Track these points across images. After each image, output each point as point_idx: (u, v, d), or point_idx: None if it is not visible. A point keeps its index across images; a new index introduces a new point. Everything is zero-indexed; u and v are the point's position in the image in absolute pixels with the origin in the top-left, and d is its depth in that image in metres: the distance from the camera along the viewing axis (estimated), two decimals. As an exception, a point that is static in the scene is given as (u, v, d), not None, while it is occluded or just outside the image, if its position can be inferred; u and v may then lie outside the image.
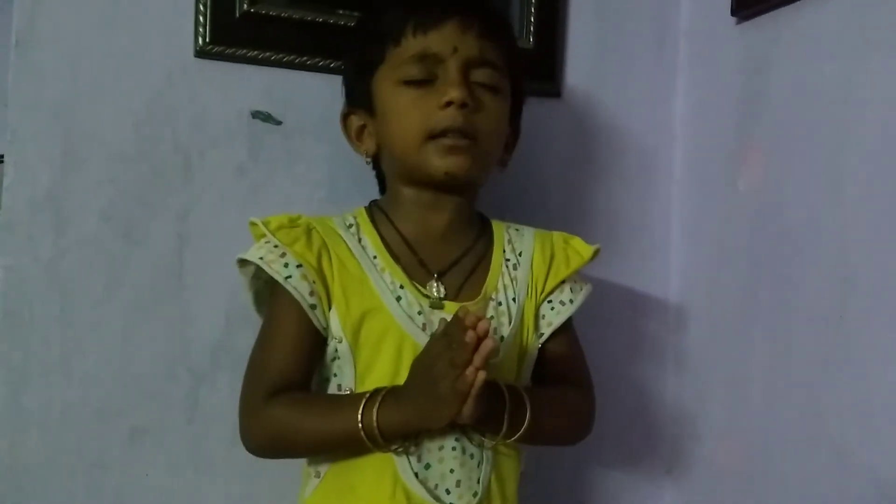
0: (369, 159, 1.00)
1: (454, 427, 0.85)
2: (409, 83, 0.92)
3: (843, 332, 0.96)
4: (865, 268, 0.94)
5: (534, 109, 1.09)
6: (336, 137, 1.06)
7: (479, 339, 0.78)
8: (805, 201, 1.03)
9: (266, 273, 0.90)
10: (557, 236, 1.02)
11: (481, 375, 0.78)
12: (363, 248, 0.94)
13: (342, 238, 0.94)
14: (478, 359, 0.78)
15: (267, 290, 0.94)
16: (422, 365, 0.83)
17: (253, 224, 0.93)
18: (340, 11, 1.09)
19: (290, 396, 0.87)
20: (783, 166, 1.07)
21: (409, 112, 0.92)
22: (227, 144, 1.07)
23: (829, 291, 0.98)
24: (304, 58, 1.08)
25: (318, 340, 0.90)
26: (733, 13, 1.15)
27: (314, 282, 0.89)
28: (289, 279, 0.88)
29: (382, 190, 1.03)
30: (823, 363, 0.99)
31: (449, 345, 0.80)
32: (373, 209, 0.99)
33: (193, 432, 1.05)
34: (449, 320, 0.83)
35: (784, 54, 1.07)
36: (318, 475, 0.91)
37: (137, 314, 1.03)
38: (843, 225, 0.97)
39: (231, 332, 1.06)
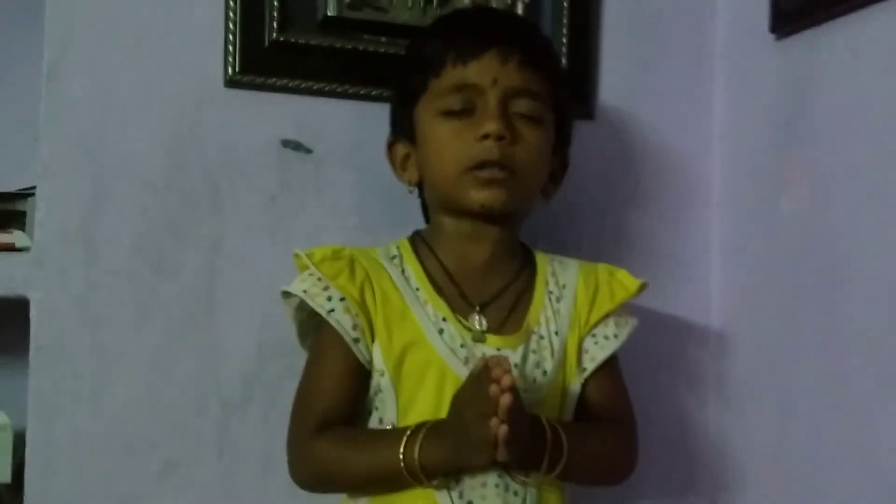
0: (413, 188, 1.02)
1: (496, 463, 0.86)
2: (449, 114, 0.95)
3: (896, 362, 0.94)
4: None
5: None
6: (366, 165, 1.09)
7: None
8: (851, 224, 1.02)
9: (309, 305, 0.92)
10: (602, 268, 1.03)
11: (503, 429, 0.80)
12: (406, 279, 0.96)
13: (385, 269, 0.96)
14: (501, 412, 0.79)
15: (311, 323, 0.97)
16: (456, 407, 0.86)
17: (297, 256, 0.95)
18: (367, 37, 1.11)
19: (335, 432, 0.90)
20: (827, 188, 1.06)
21: (447, 143, 0.94)
22: (256, 174, 1.09)
23: (880, 318, 0.97)
24: (334, 85, 1.11)
25: (362, 374, 0.93)
26: (772, 30, 1.15)
27: (357, 315, 0.92)
28: (332, 313, 0.91)
29: (427, 219, 1.06)
30: (874, 394, 0.98)
31: (478, 392, 0.82)
32: (416, 240, 1.02)
33: (224, 466, 1.07)
34: (481, 365, 0.84)
35: (825, 72, 1.07)
36: (357, 508, 0.94)
37: (168, 345, 1.06)
38: (893, 248, 0.96)
39: (262, 362, 1.08)
